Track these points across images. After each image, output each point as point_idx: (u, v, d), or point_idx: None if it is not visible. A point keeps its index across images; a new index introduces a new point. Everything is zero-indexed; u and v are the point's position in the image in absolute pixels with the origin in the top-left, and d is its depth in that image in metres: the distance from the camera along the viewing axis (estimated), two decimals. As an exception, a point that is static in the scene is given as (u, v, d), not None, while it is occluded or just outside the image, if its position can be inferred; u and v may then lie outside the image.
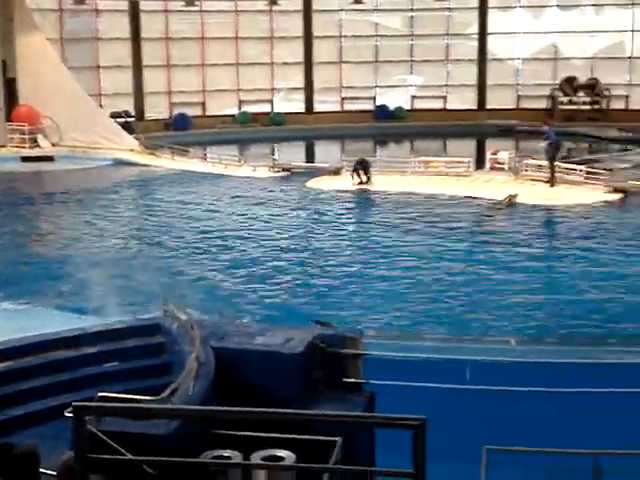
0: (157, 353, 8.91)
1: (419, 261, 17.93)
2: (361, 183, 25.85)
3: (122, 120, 35.65)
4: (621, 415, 9.92)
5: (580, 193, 24.25)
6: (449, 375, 10.55)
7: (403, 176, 27.33)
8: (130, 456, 5.30)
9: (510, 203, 23.16)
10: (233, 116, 39.96)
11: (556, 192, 24.49)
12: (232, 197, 25.55)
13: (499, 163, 27.68)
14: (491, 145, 32.07)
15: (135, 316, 11.66)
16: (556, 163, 25.57)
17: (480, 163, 29.25)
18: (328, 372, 9.68)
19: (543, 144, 25.85)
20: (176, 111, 39.38)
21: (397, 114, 40.15)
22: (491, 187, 25.42)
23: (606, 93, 38.46)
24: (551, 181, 25.15)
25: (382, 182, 26.21)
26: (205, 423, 6.63)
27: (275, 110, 40.85)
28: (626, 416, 10.00)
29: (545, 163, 25.78)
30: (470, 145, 36.25)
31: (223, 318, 12.43)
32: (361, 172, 25.92)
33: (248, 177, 28.56)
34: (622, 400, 10.21)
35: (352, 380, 9.91)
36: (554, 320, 14.09)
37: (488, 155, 28.66)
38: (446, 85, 41.19)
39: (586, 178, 25.21)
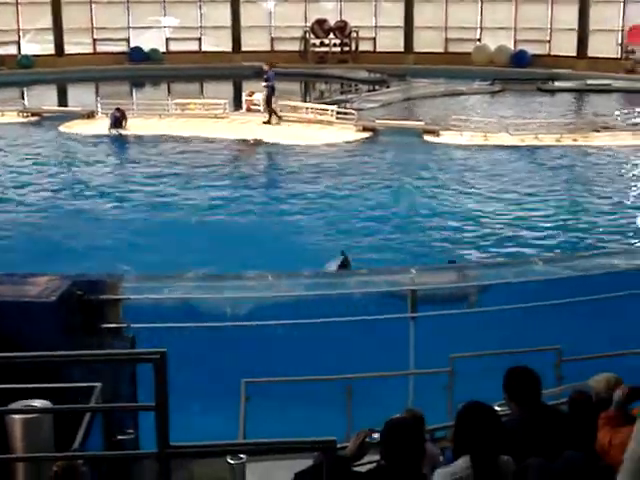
0: None
1: (178, 203, 18.05)
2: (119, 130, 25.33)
3: None
4: (370, 342, 10.57)
5: (331, 133, 25.12)
6: (210, 313, 10.76)
7: (161, 119, 27.03)
8: None
9: (258, 144, 23.71)
10: (-24, 59, 37.54)
11: (309, 132, 25.22)
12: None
13: (255, 104, 28.01)
14: (247, 87, 32.27)
15: None
16: (275, 104, 26.40)
17: (237, 105, 29.42)
18: (87, 319, 9.57)
19: (263, 84, 26.63)
20: None
21: (152, 56, 39.37)
22: (248, 128, 25.76)
23: (354, 35, 39.68)
24: (269, 120, 26.13)
25: (139, 126, 25.79)
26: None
27: (23, 52, 38.76)
28: (375, 343, 10.65)
29: (299, 104, 26.52)
30: (226, 87, 36.31)
31: None
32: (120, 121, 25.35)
33: (-5, 123, 27.11)
34: (371, 327, 10.87)
35: (112, 325, 9.86)
36: (310, 255, 14.68)
37: (244, 97, 28.89)
38: (200, 27, 40.84)
39: (337, 118, 26.12)
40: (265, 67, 27.09)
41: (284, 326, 10.35)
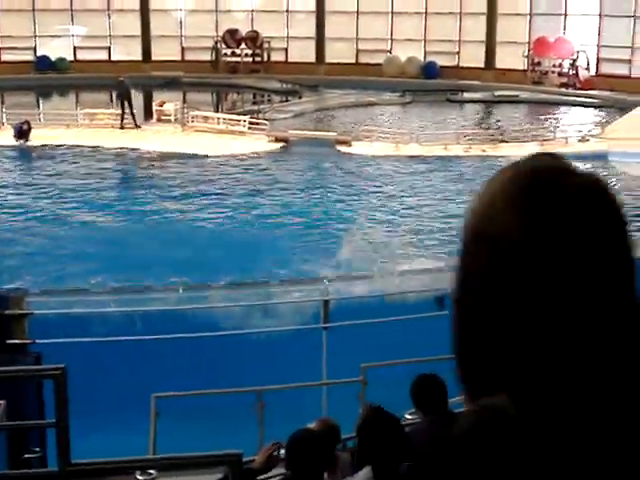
0: None
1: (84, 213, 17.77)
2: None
3: None
4: (283, 351, 10.51)
5: (244, 143, 25.02)
6: (118, 327, 10.55)
7: (68, 129, 26.50)
8: None
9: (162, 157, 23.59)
10: None
11: (221, 142, 25.08)
12: None
13: (166, 115, 27.73)
14: (158, 97, 31.95)
15: None
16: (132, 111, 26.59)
17: (147, 115, 29.08)
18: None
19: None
20: None
21: (59, 65, 38.60)
22: (159, 138, 25.47)
23: (266, 46, 39.68)
24: (121, 124, 26.41)
25: (47, 136, 25.21)
26: None
27: None
28: (288, 353, 10.59)
29: (210, 114, 26.38)
30: (137, 97, 35.82)
31: None
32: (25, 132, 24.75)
33: None
34: (283, 338, 10.81)
35: (16, 341, 9.60)
36: (222, 267, 14.54)
37: (154, 107, 28.58)
38: (110, 36, 40.26)
39: (249, 129, 26.04)
40: (121, 78, 27.14)
41: (198, 338, 10.21)
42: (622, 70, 34.94)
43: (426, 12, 39.23)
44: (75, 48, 40.03)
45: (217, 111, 31.15)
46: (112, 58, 40.00)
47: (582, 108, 32.40)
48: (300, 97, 34.67)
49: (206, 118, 26.89)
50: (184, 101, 32.86)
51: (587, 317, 1.13)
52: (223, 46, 39.54)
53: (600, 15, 35.75)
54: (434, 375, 5.87)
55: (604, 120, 28.84)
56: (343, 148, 24.39)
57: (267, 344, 10.44)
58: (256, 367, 9.99)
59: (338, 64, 39.23)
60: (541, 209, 1.14)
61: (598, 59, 35.82)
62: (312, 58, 39.89)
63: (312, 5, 40.30)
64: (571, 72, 35.15)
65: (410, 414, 7.63)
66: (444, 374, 6.33)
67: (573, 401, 1.13)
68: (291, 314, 10.92)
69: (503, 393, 1.14)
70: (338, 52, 40.00)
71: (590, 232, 1.14)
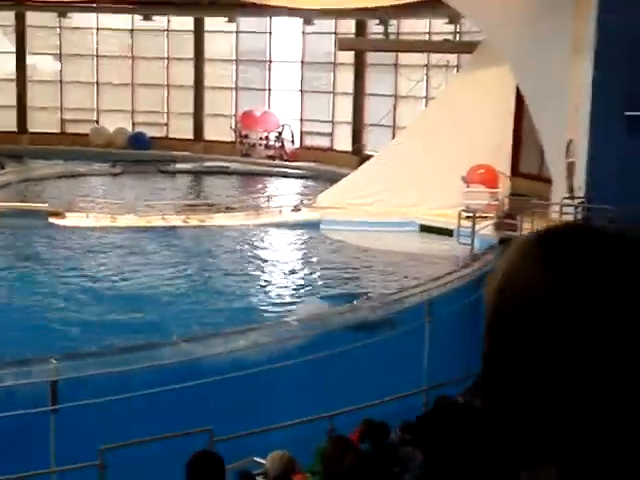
0: None
1: None
2: None
3: None
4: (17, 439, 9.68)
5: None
6: None
7: None
8: None
9: None
10: None
11: None
12: None
13: None
14: None
15: None
16: None
17: None
18: None
19: None
20: None
21: None
22: None
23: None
24: None
25: None
26: None
27: None
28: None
29: None
30: None
31: None
32: None
33: None
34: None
35: None
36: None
37: None
38: None
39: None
40: None
41: None
42: (324, 143, 36.85)
43: (132, 83, 39.08)
44: None
45: None
46: None
47: (290, 179, 33.67)
48: (3, 167, 32.86)
49: None
50: None
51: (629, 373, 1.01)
52: None
53: (301, 91, 37.57)
54: (210, 452, 5.60)
55: (313, 190, 30.08)
56: (56, 220, 23.34)
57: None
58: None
59: (42, 134, 37.87)
60: (562, 259, 1.05)
61: (302, 132, 37.51)
62: (14, 127, 38.19)
63: (12, 73, 38.67)
64: (277, 145, 36.46)
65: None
66: (189, 449, 6.07)
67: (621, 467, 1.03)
68: (21, 397, 10.11)
69: (551, 466, 1.04)
70: (42, 122, 38.64)
71: (617, 282, 1.03)
